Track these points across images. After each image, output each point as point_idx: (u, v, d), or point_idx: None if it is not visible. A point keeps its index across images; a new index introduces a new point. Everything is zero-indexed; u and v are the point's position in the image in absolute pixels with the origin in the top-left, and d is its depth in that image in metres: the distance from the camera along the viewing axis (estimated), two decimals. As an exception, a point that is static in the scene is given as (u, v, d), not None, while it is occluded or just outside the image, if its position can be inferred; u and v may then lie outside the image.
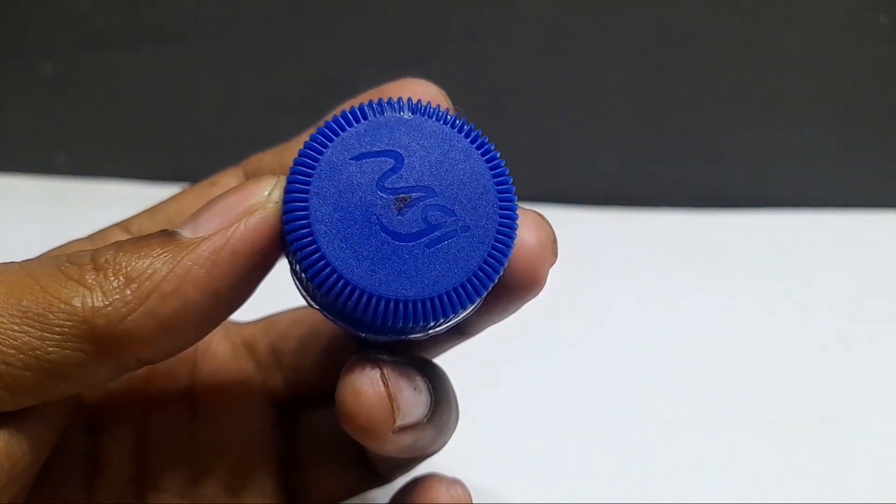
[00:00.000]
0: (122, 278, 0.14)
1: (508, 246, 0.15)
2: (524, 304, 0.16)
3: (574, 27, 0.40)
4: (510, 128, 0.43)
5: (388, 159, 0.15)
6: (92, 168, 0.46)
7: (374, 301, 0.14)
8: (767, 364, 0.33)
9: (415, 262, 0.14)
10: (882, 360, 0.34)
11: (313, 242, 0.14)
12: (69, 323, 0.13)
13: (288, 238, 0.14)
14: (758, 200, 0.43)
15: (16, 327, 0.13)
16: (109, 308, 0.13)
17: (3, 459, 0.14)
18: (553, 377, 0.33)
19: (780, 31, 0.39)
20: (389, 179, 0.15)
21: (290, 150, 0.19)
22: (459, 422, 0.30)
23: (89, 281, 0.14)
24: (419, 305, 0.14)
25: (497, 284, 0.15)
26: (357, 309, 0.14)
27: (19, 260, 0.16)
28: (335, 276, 0.14)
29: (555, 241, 0.17)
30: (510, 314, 0.17)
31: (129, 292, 0.13)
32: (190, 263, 0.14)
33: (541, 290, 0.16)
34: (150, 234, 0.15)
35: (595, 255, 0.40)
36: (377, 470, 0.20)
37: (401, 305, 0.14)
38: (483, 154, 0.15)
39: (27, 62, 0.43)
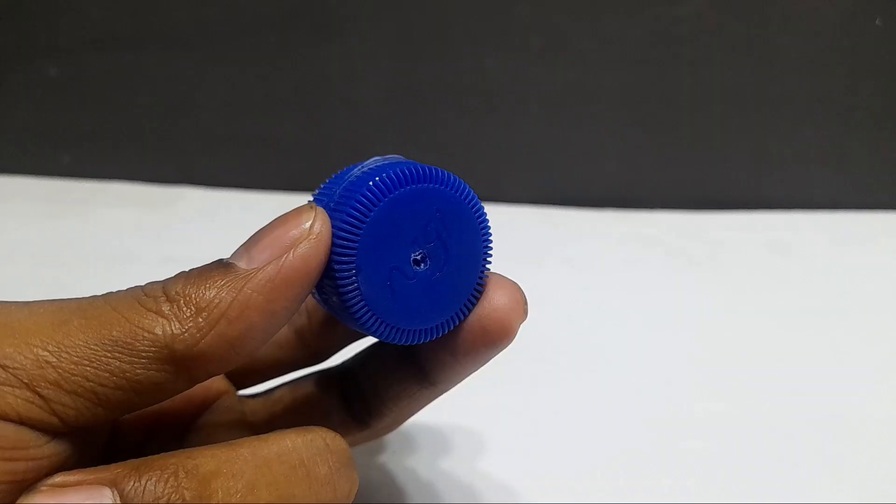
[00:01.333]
0: (192, 307, 0.16)
1: (477, 299, 0.20)
2: (497, 352, 0.20)
3: (573, 29, 0.40)
4: (510, 129, 0.43)
5: (421, 225, 0.18)
6: (96, 169, 0.46)
7: (388, 329, 0.19)
8: (766, 363, 0.34)
9: (415, 301, 0.19)
10: (880, 359, 0.34)
11: (356, 284, 0.18)
12: (153, 349, 0.16)
13: (336, 276, 0.17)
14: (755, 202, 0.43)
15: (108, 355, 0.16)
16: (185, 334, 0.16)
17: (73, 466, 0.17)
18: (552, 377, 0.33)
19: (777, 34, 0.40)
20: (417, 242, 0.18)
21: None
22: (459, 422, 0.31)
23: (165, 311, 0.16)
24: (412, 334, 0.19)
25: (477, 334, 0.20)
26: (372, 330, 0.18)
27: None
28: (366, 308, 0.18)
29: (525, 303, 0.20)
30: (484, 362, 0.21)
31: (200, 320, 0.16)
32: (250, 292, 0.16)
33: (511, 341, 0.20)
34: (210, 266, 0.17)
35: (595, 255, 0.40)
36: (435, 380, 0.22)
37: (405, 334, 0.19)
38: (482, 227, 0.19)
39: (32, 64, 0.44)
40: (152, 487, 0.15)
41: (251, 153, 0.46)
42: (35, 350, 0.15)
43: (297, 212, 0.18)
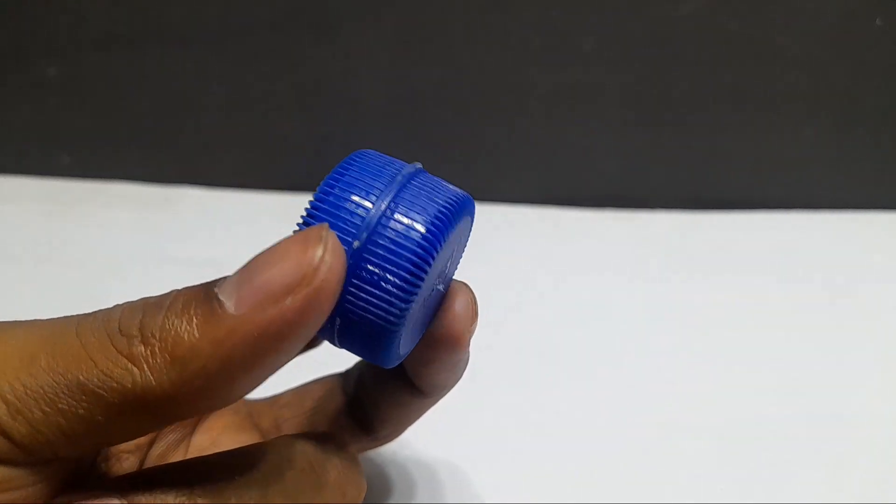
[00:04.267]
0: (167, 356, 0.14)
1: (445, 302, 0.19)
2: (457, 355, 0.19)
3: (573, 28, 0.40)
4: (510, 129, 0.43)
5: (447, 256, 0.17)
6: (96, 169, 0.46)
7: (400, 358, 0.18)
8: (766, 363, 0.34)
9: (415, 326, 0.17)
10: (880, 359, 0.34)
11: (398, 335, 0.16)
12: (125, 401, 0.14)
13: (376, 329, 0.16)
14: (755, 202, 0.43)
15: (75, 403, 0.14)
16: (158, 389, 0.14)
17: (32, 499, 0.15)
18: (552, 377, 0.33)
19: (776, 34, 0.39)
20: (441, 273, 0.17)
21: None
22: (461, 422, 0.30)
23: (138, 356, 0.14)
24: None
25: (434, 344, 0.19)
26: (374, 360, 0.17)
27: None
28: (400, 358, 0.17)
29: (475, 306, 0.19)
30: (455, 366, 0.20)
31: (175, 373, 0.14)
32: (234, 346, 0.14)
33: (466, 345, 0.19)
34: (197, 297, 0.14)
35: (595, 255, 0.40)
36: (422, 389, 0.22)
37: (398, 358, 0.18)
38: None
39: (31, 64, 0.44)
40: (166, 499, 0.15)
41: (251, 153, 0.46)
42: (5, 396, 0.14)
43: (303, 244, 0.14)
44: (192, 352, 0.14)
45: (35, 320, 0.15)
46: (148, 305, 0.15)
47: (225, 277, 0.15)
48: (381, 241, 0.15)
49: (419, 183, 0.16)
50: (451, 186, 0.17)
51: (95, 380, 0.14)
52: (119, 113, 0.45)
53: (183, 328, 0.14)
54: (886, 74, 0.40)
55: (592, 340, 0.35)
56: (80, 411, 0.14)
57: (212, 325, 0.14)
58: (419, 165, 0.17)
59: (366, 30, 0.41)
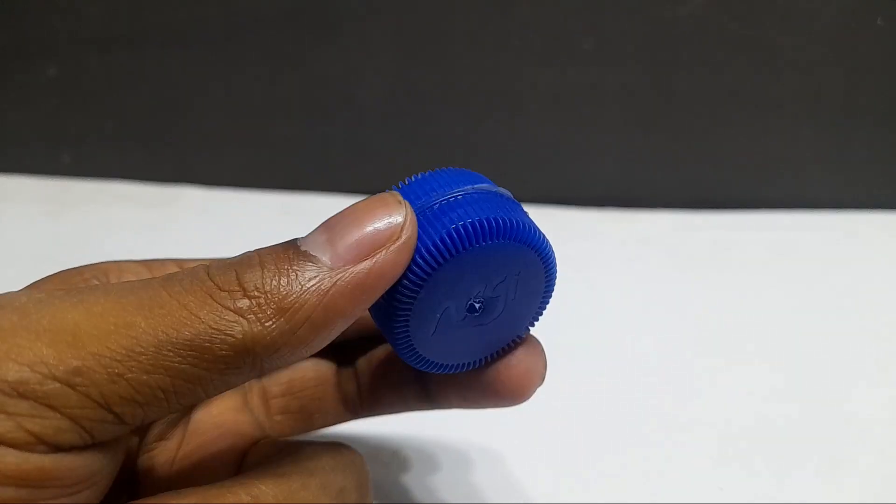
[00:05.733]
0: (274, 306, 0.14)
1: (512, 350, 0.20)
2: (504, 406, 0.20)
3: (573, 29, 0.40)
4: (510, 129, 0.43)
5: (498, 277, 0.17)
6: (96, 169, 0.46)
7: (412, 355, 0.18)
8: (766, 363, 0.34)
9: (451, 340, 0.18)
10: (880, 359, 0.34)
11: (411, 307, 0.17)
12: (232, 353, 0.14)
13: (398, 293, 0.16)
14: (754, 202, 0.43)
15: (182, 361, 0.14)
16: (267, 338, 0.14)
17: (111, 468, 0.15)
18: (552, 376, 0.33)
19: (777, 34, 0.40)
20: (484, 289, 0.18)
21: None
22: (460, 421, 0.30)
23: (244, 309, 0.14)
24: (431, 365, 0.18)
25: (492, 387, 0.20)
26: (398, 347, 0.18)
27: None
28: (406, 331, 0.17)
29: (545, 369, 0.20)
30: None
31: (283, 321, 0.15)
32: (337, 296, 0.15)
33: (522, 402, 0.20)
34: (286, 253, 0.15)
35: (595, 255, 0.40)
36: (435, 402, 0.22)
37: (425, 363, 0.18)
38: (546, 294, 0.19)
39: (32, 64, 0.44)
40: None
41: (251, 152, 0.46)
42: (104, 362, 0.13)
43: (384, 203, 0.16)
44: (298, 302, 0.15)
45: (104, 287, 0.15)
46: (235, 264, 0.15)
47: (304, 238, 0.16)
48: (443, 209, 0.16)
49: (514, 206, 0.18)
50: (525, 215, 0.18)
51: (204, 335, 0.14)
52: (119, 113, 0.45)
53: (286, 282, 0.15)
54: (886, 74, 0.40)
55: (592, 340, 0.35)
56: (185, 366, 0.14)
57: (316, 279, 0.15)
58: (508, 193, 0.18)
59: (366, 30, 0.41)
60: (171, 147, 0.46)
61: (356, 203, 0.16)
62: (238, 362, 0.14)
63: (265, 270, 0.15)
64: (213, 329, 0.14)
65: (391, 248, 0.15)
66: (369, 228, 0.15)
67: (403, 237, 0.16)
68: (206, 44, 0.42)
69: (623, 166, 0.44)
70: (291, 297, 0.15)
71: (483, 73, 0.42)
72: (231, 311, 0.14)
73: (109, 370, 0.13)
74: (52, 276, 0.20)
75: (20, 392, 0.13)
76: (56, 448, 0.13)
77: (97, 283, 0.19)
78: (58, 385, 0.13)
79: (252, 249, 0.16)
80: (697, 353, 0.34)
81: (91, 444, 0.14)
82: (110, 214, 0.43)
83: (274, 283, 0.15)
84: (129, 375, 0.13)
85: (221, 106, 0.44)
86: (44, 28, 0.43)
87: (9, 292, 0.15)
